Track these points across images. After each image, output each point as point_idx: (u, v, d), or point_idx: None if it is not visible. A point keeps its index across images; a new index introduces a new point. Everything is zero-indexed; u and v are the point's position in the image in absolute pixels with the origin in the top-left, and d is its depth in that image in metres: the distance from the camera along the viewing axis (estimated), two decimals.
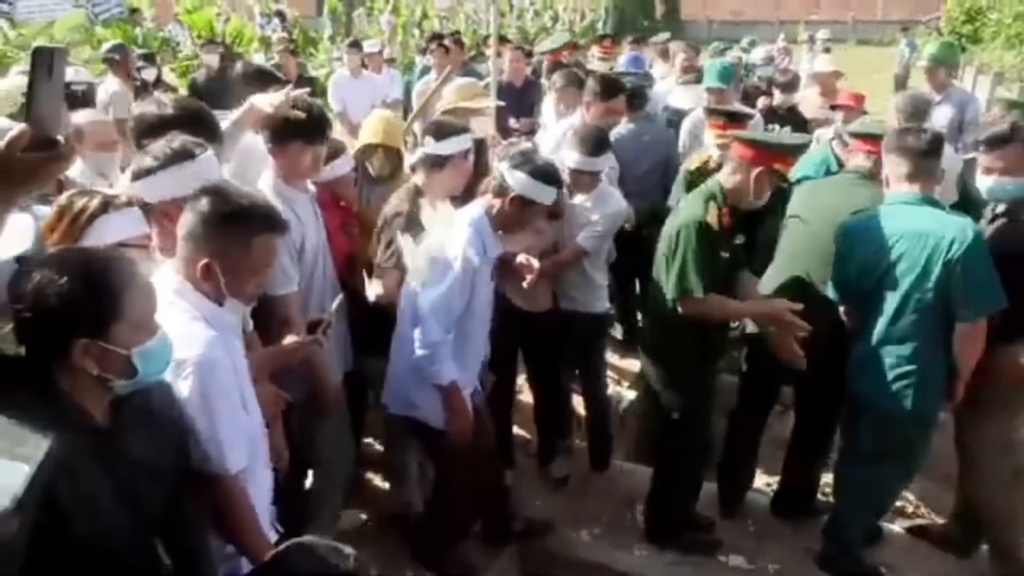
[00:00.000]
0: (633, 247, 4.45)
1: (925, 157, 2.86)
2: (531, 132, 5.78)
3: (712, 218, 2.88)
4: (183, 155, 2.04)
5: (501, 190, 2.79)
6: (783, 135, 4.54)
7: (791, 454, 3.60)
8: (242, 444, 1.83)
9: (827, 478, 3.71)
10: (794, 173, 4.12)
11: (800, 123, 5.77)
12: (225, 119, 2.67)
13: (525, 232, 3.16)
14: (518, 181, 2.74)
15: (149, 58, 8.54)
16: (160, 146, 2.05)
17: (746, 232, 3.06)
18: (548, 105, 5.24)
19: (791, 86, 6.10)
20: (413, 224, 2.93)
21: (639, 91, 4.98)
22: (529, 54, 7.64)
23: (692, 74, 6.42)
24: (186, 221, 1.81)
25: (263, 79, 3.50)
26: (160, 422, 1.63)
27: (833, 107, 5.19)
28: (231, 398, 1.83)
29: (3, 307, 1.42)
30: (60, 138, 1.21)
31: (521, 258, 3.09)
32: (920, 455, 3.08)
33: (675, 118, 5.89)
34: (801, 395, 3.56)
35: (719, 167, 3.53)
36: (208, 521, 1.81)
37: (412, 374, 2.83)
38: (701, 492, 3.47)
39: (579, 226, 3.49)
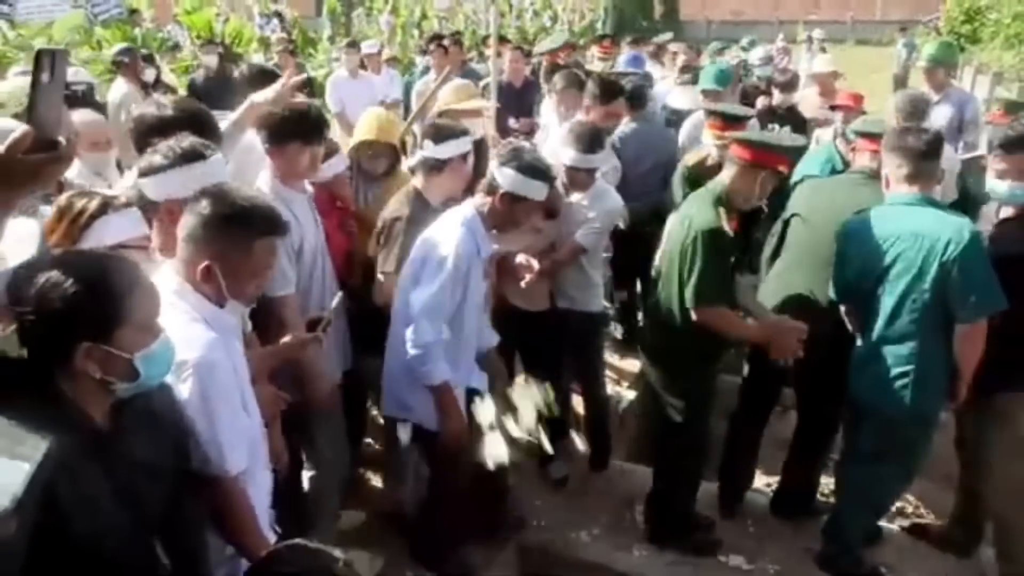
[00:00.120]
0: (634, 246, 4.46)
1: (925, 158, 2.85)
2: (530, 132, 5.78)
3: (726, 224, 2.88)
4: (193, 155, 2.04)
5: (491, 188, 2.78)
6: (783, 135, 4.54)
7: (792, 454, 3.60)
8: (242, 446, 1.83)
9: (827, 480, 3.71)
10: (798, 172, 4.14)
11: (799, 123, 5.77)
12: (224, 119, 2.68)
13: (524, 231, 3.16)
14: (507, 178, 2.73)
15: (148, 58, 8.54)
16: (170, 145, 2.05)
17: (741, 233, 3.06)
18: (548, 106, 5.24)
19: (790, 86, 6.10)
20: (414, 228, 2.93)
21: (639, 91, 4.98)
22: (528, 54, 7.65)
23: (690, 74, 6.43)
24: (186, 223, 1.80)
25: (266, 79, 3.50)
26: (161, 424, 1.63)
27: (832, 107, 5.20)
28: (231, 400, 1.83)
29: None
30: (61, 139, 1.21)
31: (520, 258, 3.09)
32: (920, 455, 3.08)
33: (673, 118, 5.90)
34: (802, 396, 3.56)
35: (718, 164, 3.54)
36: (208, 522, 1.80)
37: (405, 375, 2.83)
38: (701, 492, 3.47)
39: (576, 224, 3.49)
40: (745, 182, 2.95)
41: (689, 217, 2.95)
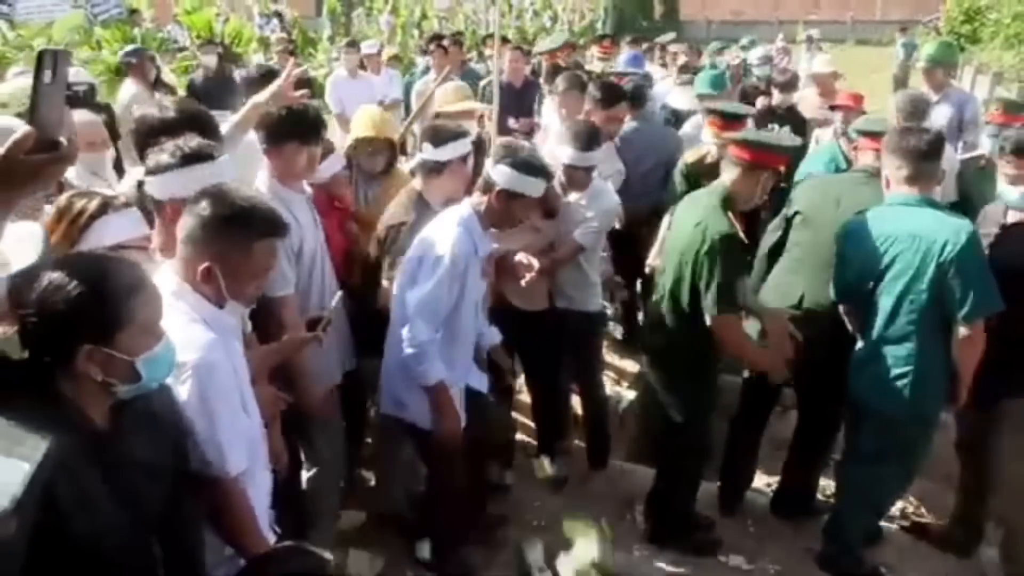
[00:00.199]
0: (635, 245, 4.47)
1: (925, 159, 2.85)
2: (530, 133, 5.78)
3: (739, 230, 2.89)
4: (201, 156, 2.04)
5: (487, 186, 2.77)
6: (782, 135, 4.55)
7: (792, 454, 3.60)
8: (242, 446, 1.83)
9: (827, 482, 3.70)
10: (801, 172, 4.15)
11: (799, 123, 5.77)
12: (224, 119, 2.67)
13: (522, 230, 3.16)
14: (502, 175, 2.72)
15: (149, 59, 8.53)
16: (178, 144, 2.05)
17: (747, 234, 3.07)
18: (550, 107, 5.23)
19: (790, 86, 6.09)
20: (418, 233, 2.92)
21: (639, 91, 4.98)
22: (528, 53, 7.66)
23: (689, 74, 6.44)
24: (186, 224, 1.80)
25: (271, 80, 3.51)
26: (160, 425, 1.63)
27: (832, 107, 5.20)
28: (231, 400, 1.83)
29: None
30: (63, 139, 1.21)
31: (520, 256, 3.09)
32: (920, 456, 3.08)
33: (672, 118, 5.90)
34: (802, 396, 3.56)
35: (716, 162, 3.54)
36: (207, 522, 1.80)
37: (401, 374, 2.82)
38: (701, 492, 3.46)
39: (574, 223, 3.49)
40: (747, 184, 2.97)
41: (703, 223, 2.91)
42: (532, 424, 4.03)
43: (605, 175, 3.82)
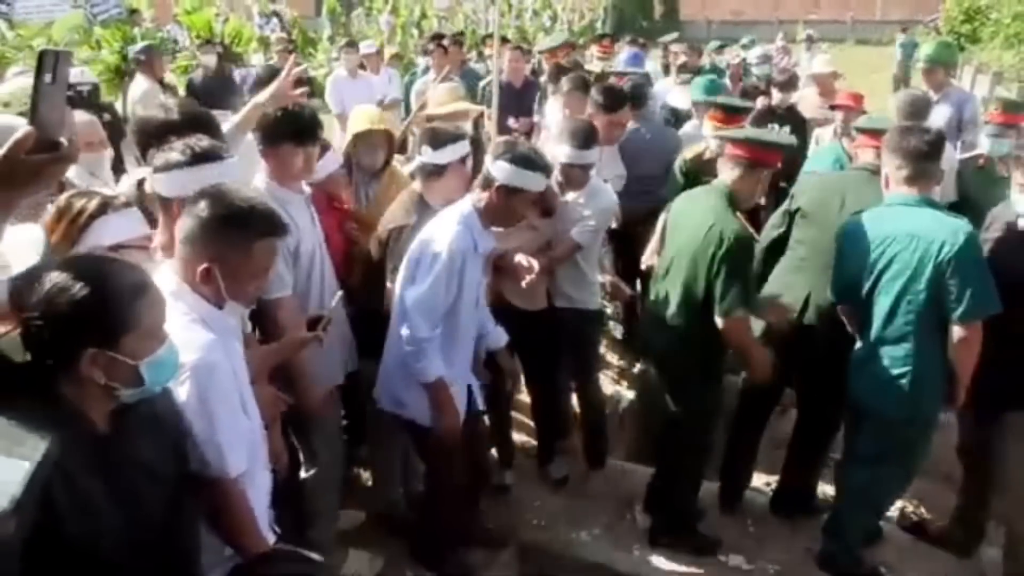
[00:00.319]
0: (634, 245, 4.46)
1: (926, 159, 2.85)
2: (529, 132, 5.78)
3: (751, 231, 2.91)
4: (211, 156, 2.05)
5: (486, 182, 2.76)
6: (781, 134, 4.55)
7: (791, 454, 3.60)
8: (242, 447, 1.82)
9: (827, 486, 3.69)
10: (805, 172, 4.15)
11: (799, 122, 5.77)
12: (224, 119, 2.67)
13: (520, 229, 3.16)
14: (501, 170, 2.71)
15: None
16: (188, 143, 2.05)
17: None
18: (553, 107, 5.21)
19: (789, 85, 6.09)
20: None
21: (639, 90, 4.98)
22: (528, 52, 7.66)
23: (689, 74, 6.44)
24: (184, 224, 1.79)
25: (274, 79, 3.52)
26: (162, 427, 1.62)
27: (832, 107, 5.20)
28: (230, 401, 1.83)
29: None
30: (64, 140, 1.21)
31: (520, 258, 3.08)
32: (919, 456, 3.07)
33: (672, 117, 5.90)
34: (802, 396, 3.56)
35: (714, 158, 3.55)
36: (207, 523, 1.80)
37: (401, 372, 2.82)
38: (701, 492, 3.46)
39: (572, 222, 3.48)
40: (748, 182, 2.99)
41: (717, 225, 2.90)
42: (532, 424, 4.03)
43: (605, 178, 3.81)
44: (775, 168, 3.06)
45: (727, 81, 7.54)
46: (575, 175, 3.43)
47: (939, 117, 5.02)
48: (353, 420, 3.34)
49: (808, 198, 3.37)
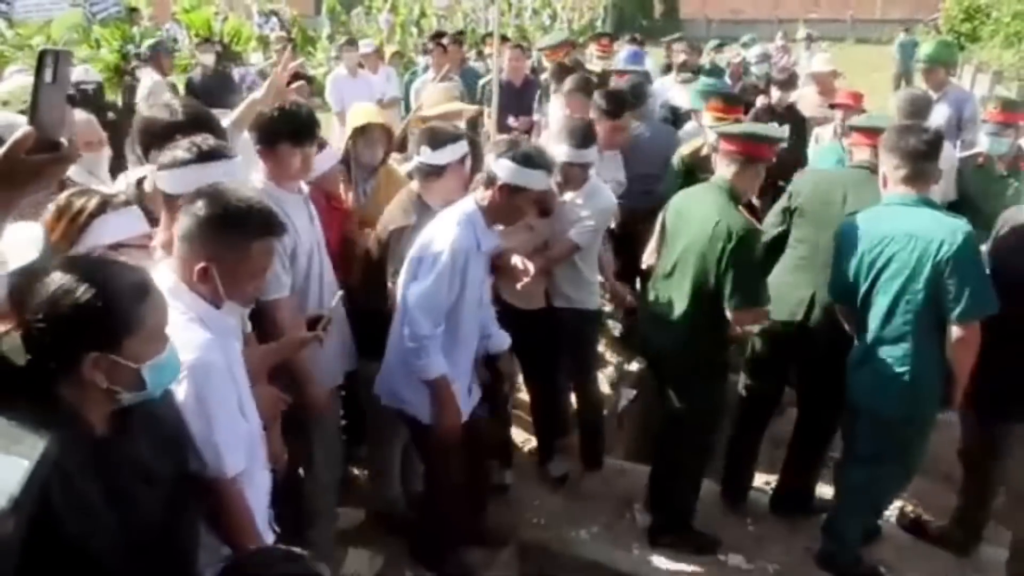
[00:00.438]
0: (634, 245, 4.46)
1: (924, 158, 2.84)
2: (529, 131, 5.78)
3: (757, 224, 2.94)
4: (217, 154, 2.05)
5: (489, 181, 2.76)
6: (773, 127, 4.55)
7: (791, 453, 3.60)
8: (240, 447, 1.82)
9: (827, 487, 3.69)
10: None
11: (799, 121, 5.76)
12: (223, 117, 2.67)
13: (517, 229, 3.15)
14: (505, 169, 2.71)
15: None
16: (195, 142, 2.06)
17: None
18: (556, 105, 5.20)
19: (788, 84, 6.08)
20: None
21: (639, 88, 4.97)
22: (527, 51, 7.66)
23: (689, 72, 6.43)
24: (182, 223, 1.79)
25: None
26: (161, 428, 1.62)
27: (832, 106, 5.19)
28: (228, 401, 1.82)
29: None
30: (64, 140, 1.21)
31: (516, 260, 3.07)
32: (917, 456, 3.07)
33: (671, 116, 5.89)
34: (802, 396, 3.56)
35: (710, 155, 3.55)
36: (205, 523, 1.79)
37: (403, 369, 2.82)
38: (701, 491, 3.46)
39: (570, 223, 3.47)
40: (746, 177, 3.02)
41: (723, 221, 2.92)
42: (532, 423, 4.03)
43: (604, 180, 3.81)
44: (770, 161, 3.08)
45: (727, 80, 7.54)
46: (574, 174, 3.43)
47: (939, 116, 5.02)
48: (352, 420, 3.34)
49: (807, 196, 3.36)
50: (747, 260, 2.91)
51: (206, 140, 2.08)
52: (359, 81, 8.02)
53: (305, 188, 2.83)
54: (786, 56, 12.43)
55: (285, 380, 2.48)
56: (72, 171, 2.85)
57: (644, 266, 4.15)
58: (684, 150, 4.28)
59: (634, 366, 4.93)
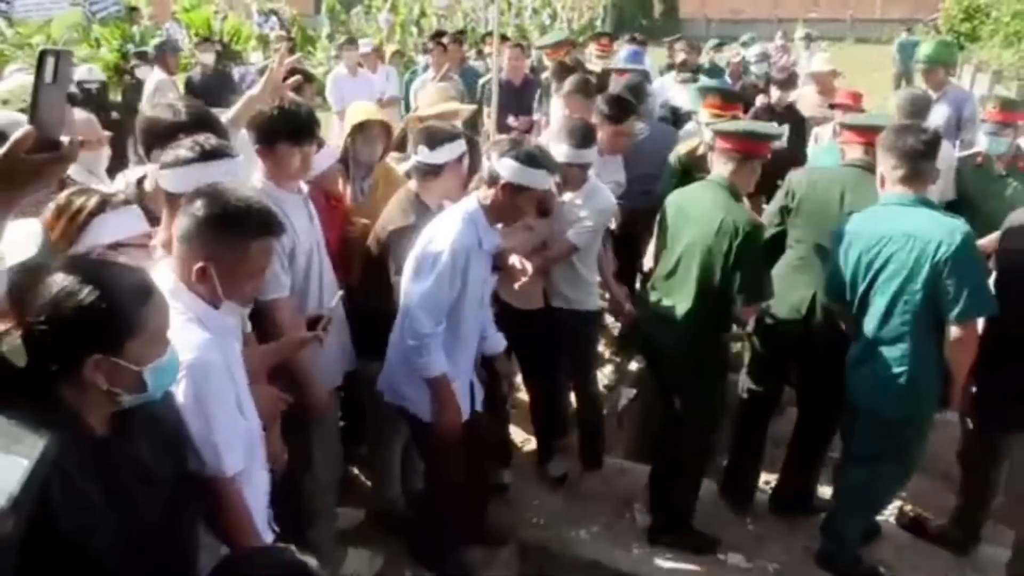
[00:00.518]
0: (633, 246, 4.46)
1: (922, 158, 2.84)
2: (529, 130, 5.78)
3: (761, 220, 2.97)
4: (219, 154, 2.05)
5: (492, 179, 2.76)
6: (769, 125, 4.55)
7: (791, 453, 3.60)
8: (238, 447, 1.82)
9: (826, 487, 3.69)
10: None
11: (798, 121, 5.76)
12: (223, 117, 2.66)
13: (516, 229, 3.15)
14: (507, 168, 2.71)
15: (145, 56, 8.55)
16: (198, 140, 2.06)
17: None
18: (556, 105, 5.20)
19: (788, 83, 6.07)
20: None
21: (638, 87, 4.97)
22: (527, 50, 7.66)
23: (689, 72, 6.43)
24: (181, 222, 1.79)
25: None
26: (160, 428, 1.62)
27: (832, 105, 5.19)
28: (226, 401, 1.82)
29: None
30: (64, 139, 1.21)
31: (514, 260, 3.07)
32: (916, 456, 3.07)
33: (671, 116, 5.89)
34: (802, 395, 3.56)
35: (706, 154, 3.56)
36: (204, 523, 1.79)
37: (404, 367, 2.82)
38: (701, 491, 3.46)
39: (568, 223, 3.47)
40: (744, 175, 3.04)
41: (728, 218, 2.93)
42: (531, 422, 4.03)
43: (604, 183, 3.81)
44: (766, 158, 3.10)
45: (727, 79, 7.54)
46: (573, 174, 3.43)
47: (938, 116, 5.02)
48: (352, 420, 3.34)
49: (805, 195, 3.35)
50: (754, 255, 2.95)
51: (208, 139, 2.08)
52: (359, 80, 8.02)
53: (304, 188, 2.83)
54: (786, 56, 12.42)
55: (285, 380, 2.47)
56: (72, 170, 2.85)
57: (647, 269, 4.15)
58: (681, 149, 4.28)
59: (634, 365, 4.93)
